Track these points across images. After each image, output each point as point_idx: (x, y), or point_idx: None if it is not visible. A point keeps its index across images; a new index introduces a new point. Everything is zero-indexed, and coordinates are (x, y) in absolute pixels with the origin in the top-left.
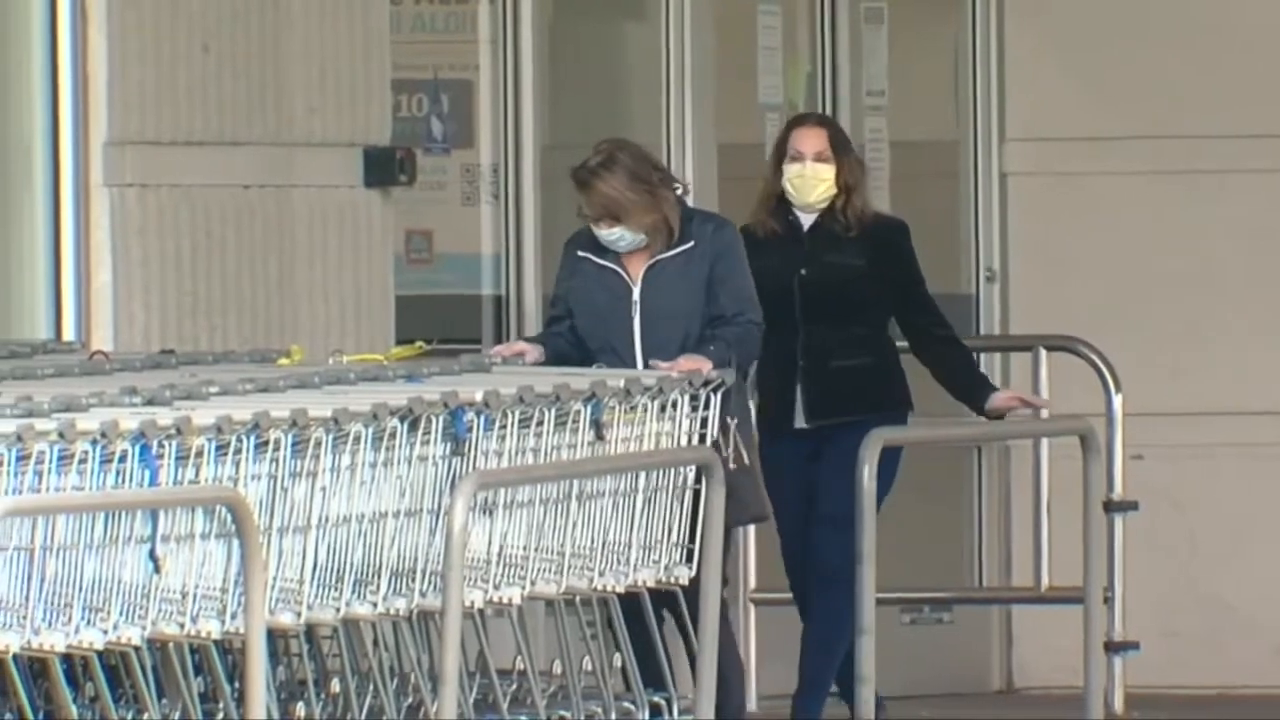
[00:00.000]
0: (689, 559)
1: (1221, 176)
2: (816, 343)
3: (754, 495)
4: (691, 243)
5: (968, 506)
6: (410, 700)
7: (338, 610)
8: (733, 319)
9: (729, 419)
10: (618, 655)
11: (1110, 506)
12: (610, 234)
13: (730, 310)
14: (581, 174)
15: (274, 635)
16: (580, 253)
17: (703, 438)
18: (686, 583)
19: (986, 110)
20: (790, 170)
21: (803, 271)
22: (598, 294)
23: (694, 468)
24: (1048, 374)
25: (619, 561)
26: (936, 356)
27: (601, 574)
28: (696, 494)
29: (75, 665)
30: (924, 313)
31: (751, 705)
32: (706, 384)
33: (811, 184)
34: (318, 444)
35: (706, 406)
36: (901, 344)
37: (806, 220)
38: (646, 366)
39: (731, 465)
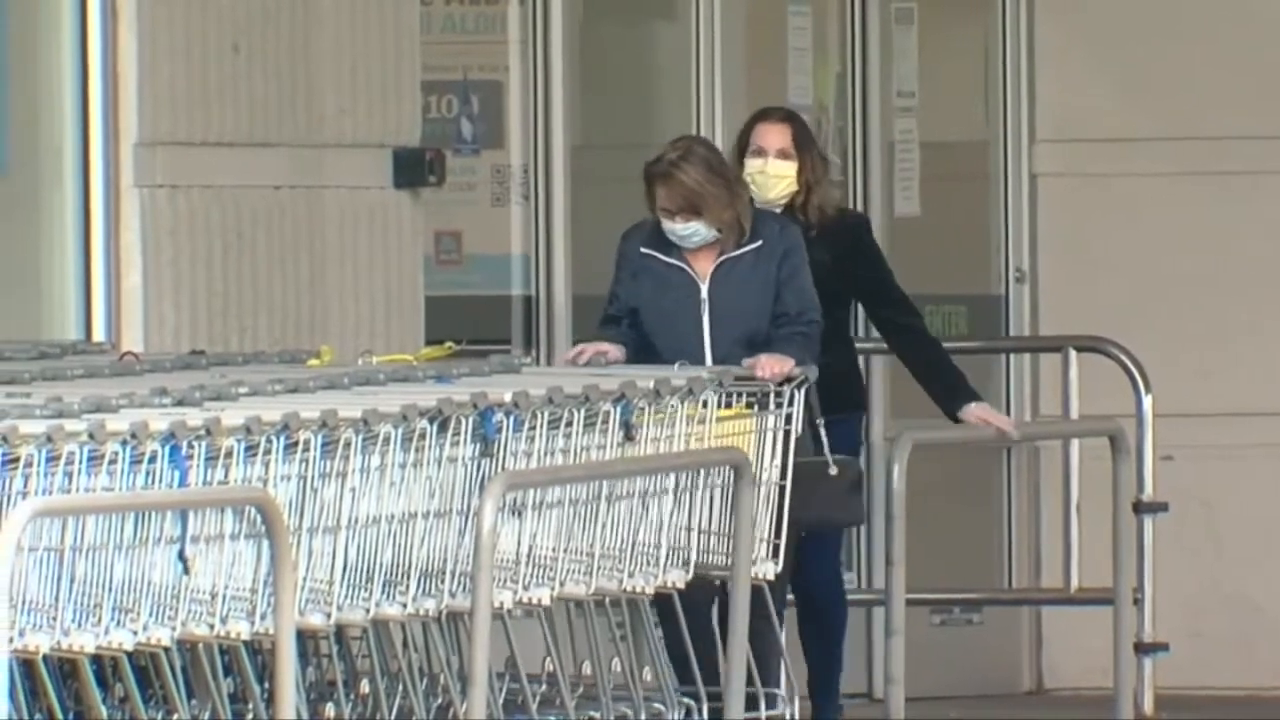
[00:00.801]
0: (775, 555)
1: (1252, 177)
2: None
3: (854, 498)
4: (760, 242)
5: (997, 507)
6: (439, 701)
7: (367, 611)
8: (797, 318)
9: (816, 421)
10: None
11: (1140, 507)
12: (685, 229)
13: (794, 309)
14: (661, 166)
15: (303, 636)
16: (644, 249)
17: (787, 434)
18: (773, 578)
19: (1016, 111)
20: (751, 165)
21: None
22: (665, 292)
23: (777, 466)
24: (1077, 375)
25: (649, 562)
26: (913, 354)
27: (631, 575)
28: (782, 489)
29: (105, 666)
30: (895, 306)
31: None
32: (789, 380)
33: (772, 181)
34: (347, 445)
35: (791, 403)
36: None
37: None
38: (717, 364)
39: (833, 471)
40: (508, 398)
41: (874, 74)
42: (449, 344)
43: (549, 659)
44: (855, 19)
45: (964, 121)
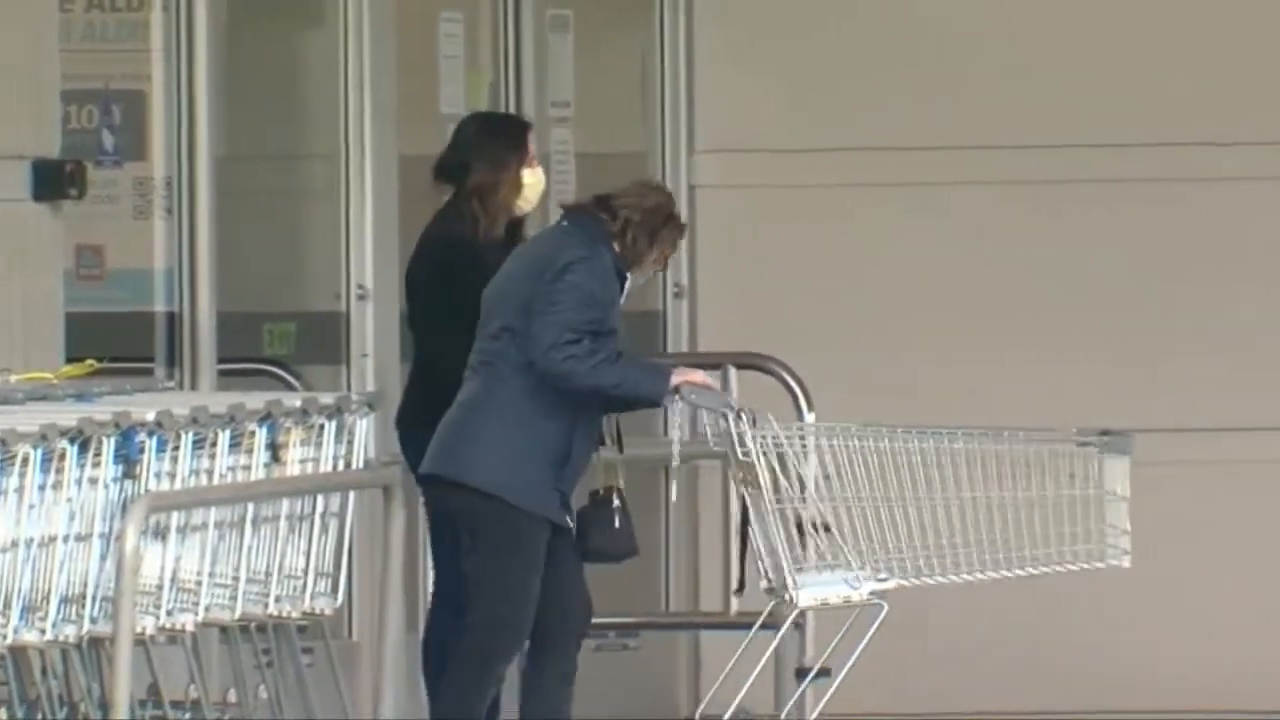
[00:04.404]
0: None
1: (916, 188)
2: None
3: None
4: None
5: (655, 528)
6: None
7: (4, 637)
8: None
9: None
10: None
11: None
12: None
13: None
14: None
15: None
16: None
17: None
18: None
19: (675, 121)
20: (536, 176)
21: None
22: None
23: None
24: (737, 392)
25: (293, 588)
26: None
27: (278, 600)
28: None
29: None
30: None
31: None
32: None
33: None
34: None
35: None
36: None
37: None
38: None
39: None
40: (151, 417)
41: (528, 83)
42: (90, 361)
43: (193, 686)
44: (508, 26)
45: (622, 132)
